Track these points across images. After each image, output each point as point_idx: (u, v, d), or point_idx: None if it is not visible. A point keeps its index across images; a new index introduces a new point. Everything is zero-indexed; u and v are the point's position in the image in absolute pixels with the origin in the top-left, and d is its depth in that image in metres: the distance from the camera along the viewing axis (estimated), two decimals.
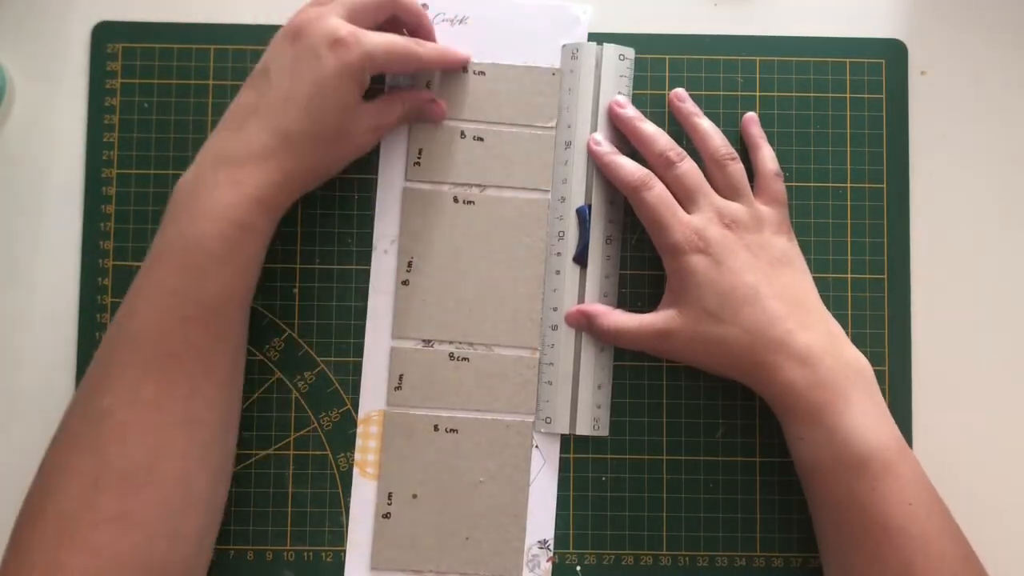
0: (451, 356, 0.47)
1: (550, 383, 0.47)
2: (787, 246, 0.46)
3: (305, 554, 0.47)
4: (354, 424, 0.48)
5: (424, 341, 0.48)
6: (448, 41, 0.48)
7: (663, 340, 0.45)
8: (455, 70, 0.48)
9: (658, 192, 0.45)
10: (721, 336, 0.43)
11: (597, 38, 0.49)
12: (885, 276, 0.49)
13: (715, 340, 0.44)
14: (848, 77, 0.50)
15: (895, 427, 0.43)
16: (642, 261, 0.49)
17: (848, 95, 0.50)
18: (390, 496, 0.47)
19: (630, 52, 0.49)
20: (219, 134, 0.43)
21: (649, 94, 0.49)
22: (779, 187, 0.47)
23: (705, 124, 0.47)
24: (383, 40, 0.43)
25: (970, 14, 0.50)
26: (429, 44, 0.46)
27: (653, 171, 0.46)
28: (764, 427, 0.48)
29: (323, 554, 0.47)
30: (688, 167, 0.46)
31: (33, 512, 0.39)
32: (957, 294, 0.49)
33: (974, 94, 0.50)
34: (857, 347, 0.48)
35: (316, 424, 0.48)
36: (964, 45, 0.50)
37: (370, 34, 0.43)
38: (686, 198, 0.45)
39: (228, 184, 0.41)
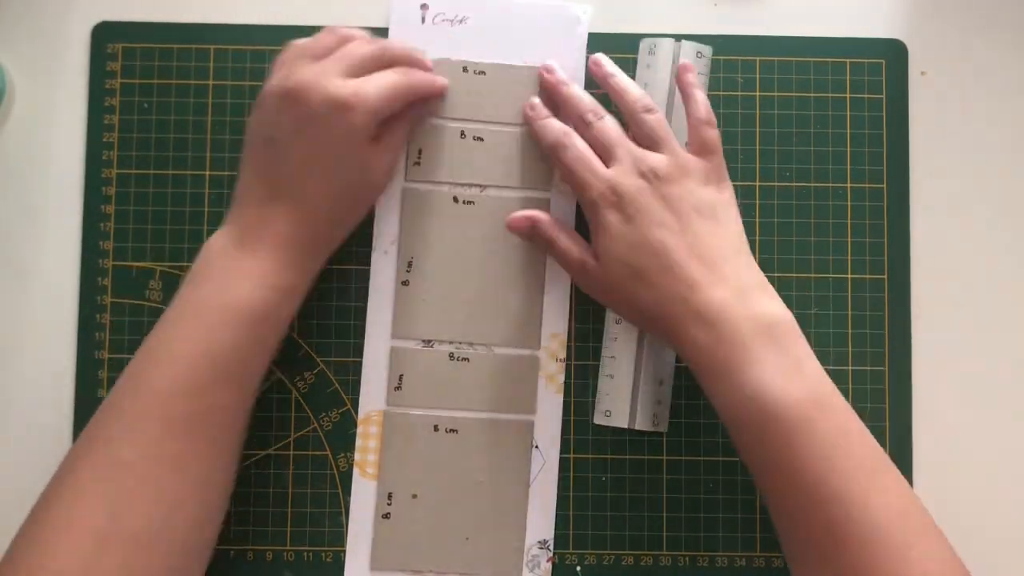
0: (451, 356, 0.47)
1: (611, 376, 0.47)
2: (713, 196, 0.44)
3: (305, 554, 0.47)
4: (354, 424, 0.48)
5: (424, 341, 0.48)
6: (449, 41, 0.48)
7: (582, 275, 0.45)
8: (438, 96, 0.48)
9: (577, 149, 0.45)
10: (631, 292, 0.43)
11: (598, 39, 0.49)
12: (885, 276, 0.49)
13: (627, 294, 0.43)
14: (848, 77, 0.50)
15: (818, 380, 0.41)
16: None
17: (848, 95, 0.50)
18: (390, 496, 0.47)
19: (707, 50, 0.48)
20: (243, 208, 0.44)
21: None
22: (710, 135, 0.45)
23: (621, 81, 0.46)
24: (383, 91, 0.43)
25: (970, 14, 0.50)
26: (418, 74, 0.46)
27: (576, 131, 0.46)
28: None
29: (323, 554, 0.47)
30: (607, 123, 0.45)
31: (29, 566, 0.37)
32: (957, 294, 0.49)
33: (974, 94, 0.50)
34: (857, 347, 0.48)
35: (316, 424, 0.48)
36: (964, 45, 0.50)
37: (369, 88, 0.43)
38: (605, 153, 0.45)
39: (251, 275, 0.42)
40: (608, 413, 0.47)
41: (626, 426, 0.47)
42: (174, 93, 0.49)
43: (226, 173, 0.49)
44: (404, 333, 0.48)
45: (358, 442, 0.47)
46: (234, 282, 0.42)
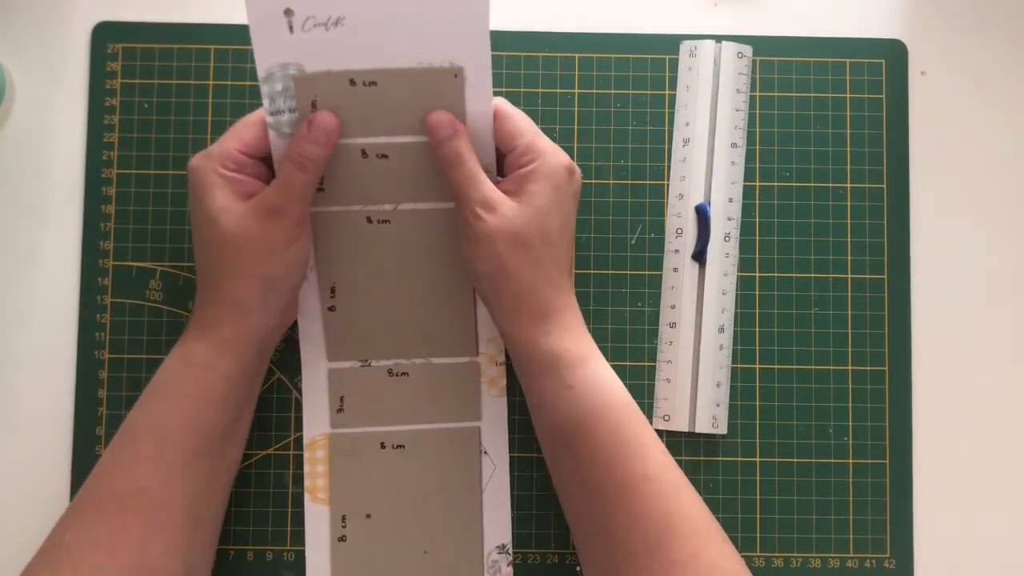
0: (390, 372, 0.47)
1: (668, 380, 0.47)
2: None
3: (305, 554, 0.47)
4: None
5: (361, 361, 0.47)
6: (326, 49, 0.41)
7: (485, 208, 0.41)
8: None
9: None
10: (541, 254, 0.41)
11: (598, 39, 0.49)
12: (885, 276, 0.49)
13: (520, 258, 0.41)
14: (848, 77, 0.50)
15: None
16: (642, 261, 0.49)
17: (848, 95, 0.50)
18: (344, 519, 0.46)
19: (748, 50, 0.48)
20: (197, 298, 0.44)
21: (649, 94, 0.49)
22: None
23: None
24: (229, 134, 0.42)
25: (970, 14, 0.50)
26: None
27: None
28: (764, 427, 0.48)
29: None
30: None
31: None
32: (957, 294, 0.49)
33: (974, 94, 0.50)
34: (857, 347, 0.49)
35: None
36: (964, 45, 0.50)
37: (221, 140, 0.42)
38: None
39: (192, 356, 0.42)
40: (667, 417, 0.47)
41: (686, 430, 0.47)
42: (174, 93, 0.49)
43: None
44: (339, 356, 0.47)
45: (306, 467, 0.47)
46: (165, 362, 0.42)
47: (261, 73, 0.41)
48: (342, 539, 0.46)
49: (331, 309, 0.46)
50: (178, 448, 0.40)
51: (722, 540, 0.39)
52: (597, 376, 0.41)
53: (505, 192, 0.42)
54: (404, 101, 0.42)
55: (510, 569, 0.47)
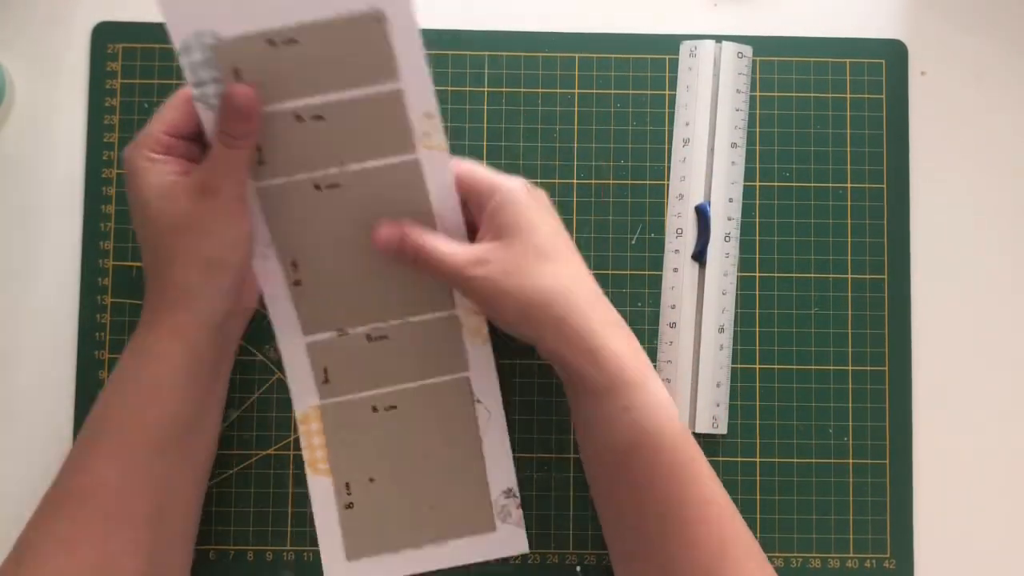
0: (368, 338, 0.46)
1: (668, 380, 0.47)
2: None
3: (305, 554, 0.47)
4: None
5: (338, 331, 0.46)
6: (239, 10, 0.39)
7: (475, 267, 0.40)
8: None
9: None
10: (548, 276, 0.40)
11: (598, 39, 0.49)
12: (885, 276, 0.49)
13: (536, 280, 0.40)
14: (848, 77, 0.50)
15: None
16: (642, 261, 0.49)
17: (848, 95, 0.50)
18: (348, 486, 0.46)
19: (748, 50, 0.49)
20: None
21: (649, 94, 0.49)
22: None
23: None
24: (154, 117, 0.42)
25: (970, 14, 0.50)
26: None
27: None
28: (764, 427, 0.48)
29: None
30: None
31: None
32: (957, 294, 0.49)
33: (974, 94, 0.50)
34: (857, 347, 0.49)
35: None
36: (964, 45, 0.50)
37: (147, 125, 0.42)
38: None
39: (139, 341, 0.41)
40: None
41: None
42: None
43: None
44: (314, 328, 0.46)
45: (303, 442, 0.47)
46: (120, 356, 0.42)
47: (177, 44, 0.39)
48: (349, 506, 0.46)
49: (297, 283, 0.45)
50: (136, 442, 0.39)
51: (770, 568, 0.40)
52: (654, 396, 0.40)
53: (488, 240, 0.41)
54: (329, 56, 0.40)
55: (520, 512, 0.47)
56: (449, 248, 0.41)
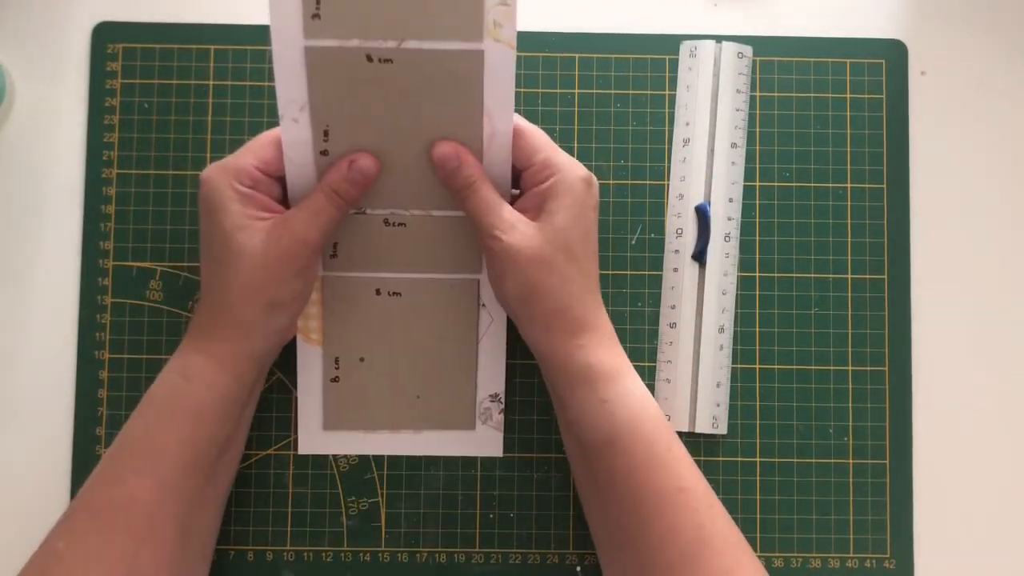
0: (386, 222, 0.45)
1: (668, 380, 0.47)
2: None
3: (305, 554, 0.47)
4: None
5: (355, 209, 0.44)
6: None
7: (505, 231, 0.41)
8: None
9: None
10: (560, 274, 0.41)
11: (598, 39, 0.49)
12: (885, 276, 0.49)
13: (549, 273, 0.41)
14: (848, 77, 0.50)
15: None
16: (642, 261, 0.49)
17: (848, 95, 0.50)
18: (337, 361, 0.46)
19: (748, 50, 0.49)
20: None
21: (650, 94, 0.49)
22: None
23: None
24: (246, 149, 0.42)
25: (970, 14, 0.50)
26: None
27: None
28: (764, 427, 0.48)
29: (323, 554, 0.47)
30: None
31: None
32: (957, 294, 0.49)
33: (974, 94, 0.50)
34: (857, 347, 0.49)
35: None
36: (964, 45, 0.50)
37: (238, 155, 0.42)
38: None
39: (176, 354, 0.42)
40: (667, 417, 0.47)
41: (686, 430, 0.47)
42: (174, 93, 0.49)
43: None
44: None
45: None
46: (163, 372, 0.42)
47: (281, 102, 0.41)
48: (334, 380, 0.46)
49: (323, 153, 0.42)
50: (173, 463, 0.40)
51: (752, 554, 0.40)
52: (630, 389, 0.41)
53: (524, 211, 0.42)
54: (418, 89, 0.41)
55: (501, 417, 0.47)
56: (494, 199, 0.42)
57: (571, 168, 0.42)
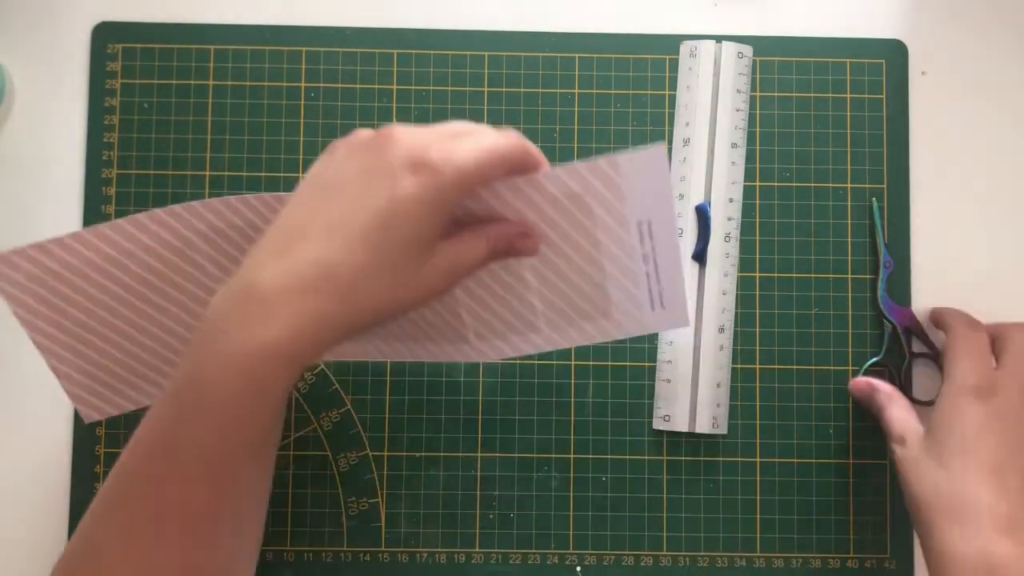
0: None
1: (668, 381, 0.47)
2: None
3: (305, 554, 0.47)
4: (355, 425, 0.48)
5: None
6: None
7: (900, 443, 0.44)
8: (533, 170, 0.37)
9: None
10: (943, 483, 0.41)
11: (598, 39, 0.49)
12: None
13: (932, 484, 0.42)
14: (848, 77, 0.50)
15: None
16: None
17: (848, 95, 0.50)
18: None
19: (748, 50, 0.49)
20: (258, 253, 0.35)
21: (650, 94, 0.49)
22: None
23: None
24: (480, 152, 0.34)
25: (970, 14, 0.50)
26: (523, 142, 0.36)
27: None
28: (764, 427, 0.48)
29: (323, 554, 0.47)
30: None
31: None
32: (957, 295, 0.49)
33: (974, 94, 0.50)
34: (857, 347, 0.49)
35: (316, 424, 0.48)
36: (964, 45, 0.50)
37: (463, 148, 0.34)
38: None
39: (248, 325, 0.33)
40: (667, 418, 0.47)
41: (686, 430, 0.47)
42: (174, 93, 0.49)
43: (226, 173, 0.49)
44: None
45: None
46: (205, 367, 0.34)
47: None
48: None
49: None
50: (242, 467, 0.36)
51: None
52: None
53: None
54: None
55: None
56: (901, 416, 0.45)
57: (958, 381, 0.43)
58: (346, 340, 0.35)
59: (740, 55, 0.49)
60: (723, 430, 0.48)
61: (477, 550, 0.47)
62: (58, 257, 0.41)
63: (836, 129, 0.49)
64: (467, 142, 0.34)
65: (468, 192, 0.35)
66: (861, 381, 0.47)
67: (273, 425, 0.37)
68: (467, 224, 0.37)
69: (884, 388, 0.46)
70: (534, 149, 0.37)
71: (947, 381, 0.43)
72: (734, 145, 0.49)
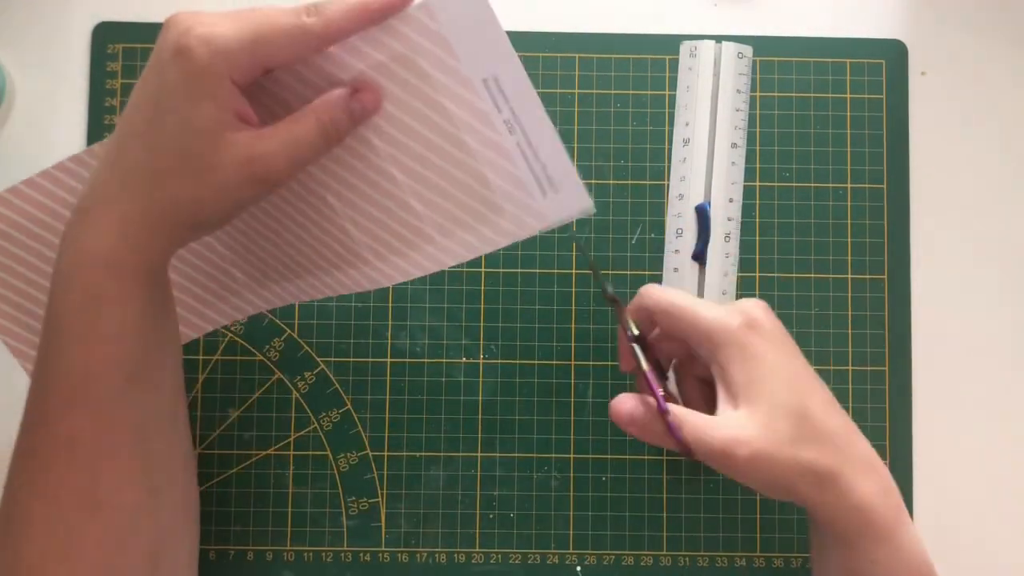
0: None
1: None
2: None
3: (305, 554, 0.47)
4: (355, 425, 0.48)
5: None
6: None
7: (735, 447, 0.36)
8: (380, 21, 0.35)
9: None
10: (807, 442, 0.36)
11: (598, 39, 0.49)
12: (885, 276, 0.49)
13: (794, 451, 0.36)
14: (848, 77, 0.50)
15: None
16: (642, 261, 0.49)
17: (848, 95, 0.50)
18: None
19: (748, 50, 0.49)
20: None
21: (650, 94, 0.49)
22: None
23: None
24: (244, 28, 0.33)
25: (970, 14, 0.50)
26: (330, 5, 0.34)
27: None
28: None
29: (323, 554, 0.47)
30: None
31: None
32: (957, 294, 0.49)
33: (974, 94, 0.50)
34: (857, 347, 0.49)
35: (316, 424, 0.48)
36: (964, 45, 0.50)
37: (227, 26, 0.33)
38: None
39: (73, 240, 0.34)
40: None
41: None
42: None
43: None
44: None
45: None
46: (52, 288, 0.35)
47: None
48: None
49: None
50: (120, 385, 0.35)
51: None
52: (904, 552, 0.37)
53: (727, 404, 0.37)
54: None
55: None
56: (706, 427, 0.37)
57: (723, 321, 0.37)
58: (166, 246, 0.35)
59: (740, 55, 0.49)
60: None
61: (477, 550, 0.47)
62: None
63: (836, 129, 0.50)
64: (242, 23, 0.33)
65: (241, 75, 0.33)
66: (627, 405, 0.38)
67: (128, 339, 0.35)
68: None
69: (673, 409, 0.37)
70: (309, 23, 0.33)
71: (724, 345, 0.37)
72: (734, 145, 0.49)
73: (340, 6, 0.34)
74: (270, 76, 0.36)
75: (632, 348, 0.39)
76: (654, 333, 0.41)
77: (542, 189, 0.36)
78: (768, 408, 0.36)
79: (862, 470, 0.37)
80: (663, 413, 0.37)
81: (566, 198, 0.36)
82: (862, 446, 0.38)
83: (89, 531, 0.35)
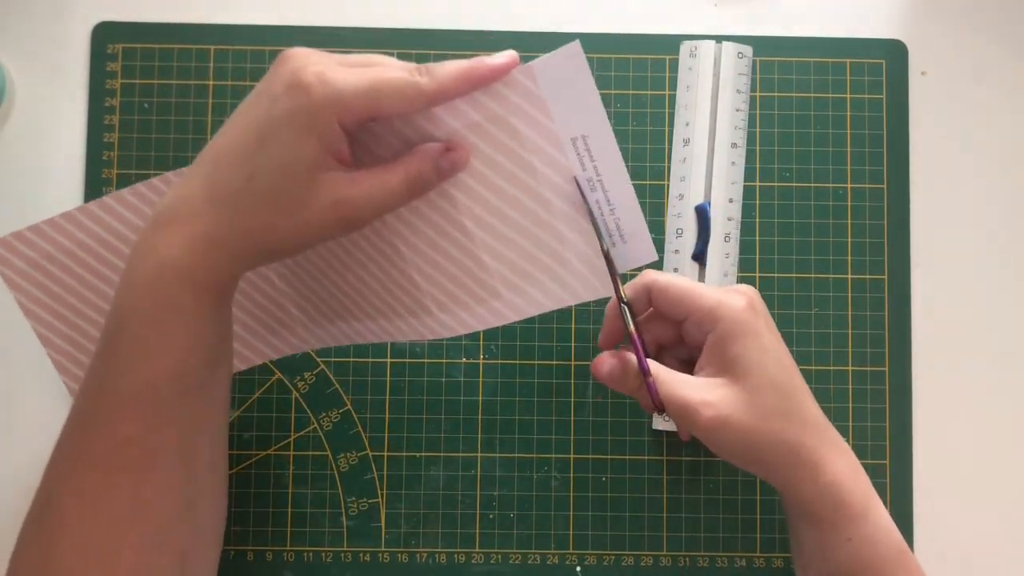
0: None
1: None
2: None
3: (305, 554, 0.47)
4: (355, 425, 0.48)
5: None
6: None
7: (706, 407, 0.38)
8: (486, 85, 0.36)
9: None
10: (779, 418, 0.38)
11: (599, 39, 0.49)
12: (885, 276, 0.49)
13: (768, 422, 0.38)
14: (848, 77, 0.50)
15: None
16: None
17: (848, 95, 0.50)
18: None
19: (748, 50, 0.49)
20: (168, 191, 0.38)
21: (650, 94, 0.49)
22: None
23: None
24: (362, 76, 0.34)
25: (970, 14, 0.50)
26: (441, 68, 0.35)
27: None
28: None
29: (323, 554, 0.47)
30: None
31: None
32: (957, 294, 0.49)
33: (974, 94, 0.50)
34: (857, 347, 0.49)
35: (316, 424, 0.48)
36: (964, 45, 0.50)
37: (345, 71, 0.34)
38: None
39: (148, 251, 0.35)
40: (667, 418, 0.45)
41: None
42: (174, 93, 0.49)
43: None
44: None
45: None
46: (120, 295, 0.35)
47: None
48: None
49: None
50: (176, 392, 0.36)
51: None
52: (877, 529, 0.38)
53: (711, 372, 0.39)
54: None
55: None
56: (680, 384, 0.38)
57: (728, 302, 0.39)
58: (241, 268, 0.36)
59: (740, 55, 0.49)
60: None
61: (477, 550, 0.47)
62: (51, 239, 0.41)
63: (836, 129, 0.49)
64: (359, 71, 0.34)
65: (350, 120, 0.34)
66: (606, 362, 0.40)
67: (194, 352, 0.36)
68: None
69: (652, 365, 0.39)
70: (421, 81, 0.35)
71: (723, 320, 0.38)
72: (734, 145, 0.49)
73: (451, 69, 0.35)
74: (367, 123, 0.36)
75: (622, 310, 0.40)
76: (645, 315, 0.42)
77: (611, 242, 0.38)
78: (757, 380, 0.38)
79: (835, 452, 0.39)
80: (640, 361, 0.38)
81: (632, 250, 0.38)
82: (834, 433, 0.40)
83: (127, 535, 0.35)
